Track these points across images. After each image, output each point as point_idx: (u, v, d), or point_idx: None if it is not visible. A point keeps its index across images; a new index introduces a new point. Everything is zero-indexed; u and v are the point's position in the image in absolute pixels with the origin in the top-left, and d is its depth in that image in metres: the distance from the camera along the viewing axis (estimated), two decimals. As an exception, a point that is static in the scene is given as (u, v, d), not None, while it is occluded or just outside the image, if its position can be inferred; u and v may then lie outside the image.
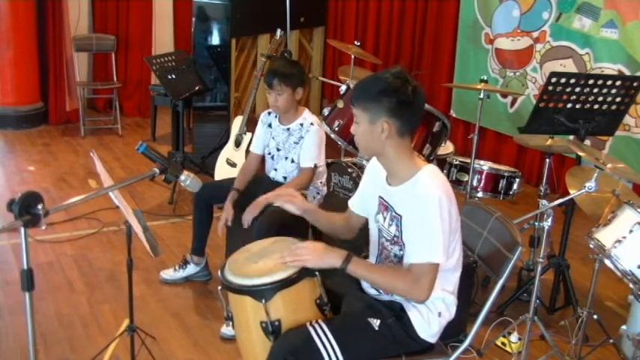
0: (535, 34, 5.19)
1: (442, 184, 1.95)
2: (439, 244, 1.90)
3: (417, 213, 1.93)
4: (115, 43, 6.62)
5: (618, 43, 4.56)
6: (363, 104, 1.97)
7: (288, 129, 3.30)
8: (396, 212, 2.02)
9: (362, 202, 2.23)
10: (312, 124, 3.23)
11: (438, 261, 1.91)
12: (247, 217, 3.03)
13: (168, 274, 3.56)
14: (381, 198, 2.10)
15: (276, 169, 3.39)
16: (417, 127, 2.05)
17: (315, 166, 3.24)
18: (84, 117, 6.37)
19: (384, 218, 2.08)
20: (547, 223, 2.48)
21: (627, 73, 4.47)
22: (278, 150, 3.34)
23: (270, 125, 3.39)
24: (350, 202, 2.29)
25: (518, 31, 5.31)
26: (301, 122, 3.26)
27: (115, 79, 6.61)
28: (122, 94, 6.98)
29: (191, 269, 3.53)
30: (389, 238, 2.07)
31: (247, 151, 4.19)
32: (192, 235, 3.52)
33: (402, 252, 2.02)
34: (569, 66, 4.89)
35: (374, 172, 2.17)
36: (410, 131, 2.00)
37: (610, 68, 4.61)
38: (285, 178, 3.35)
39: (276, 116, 3.36)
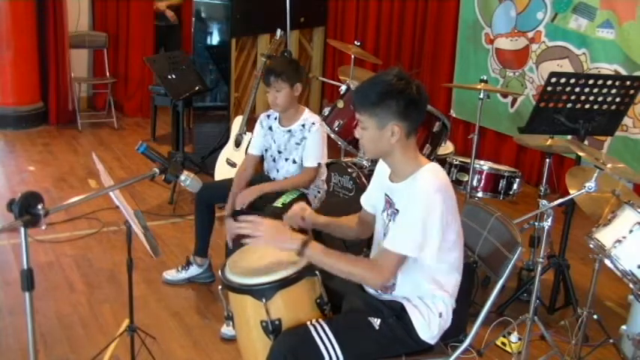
0: (530, 35, 5.19)
1: (440, 183, 1.95)
2: (414, 238, 1.90)
3: (407, 206, 1.95)
4: (107, 39, 6.67)
5: (614, 43, 4.56)
6: (371, 110, 1.95)
7: (290, 130, 3.28)
8: (395, 208, 2.03)
9: (371, 199, 2.24)
10: (313, 123, 3.22)
11: (408, 253, 1.91)
12: (240, 200, 3.04)
13: (170, 274, 3.55)
14: (386, 195, 2.10)
15: (277, 170, 3.38)
16: (420, 125, 2.05)
17: (319, 165, 3.24)
18: (79, 112, 6.44)
19: (387, 215, 2.08)
20: (547, 223, 2.48)
21: (624, 73, 4.47)
22: (279, 152, 3.33)
23: (270, 128, 3.36)
24: (361, 199, 2.29)
25: (516, 31, 5.31)
26: (302, 123, 3.25)
27: (107, 74, 6.67)
28: (122, 94, 7.03)
29: (194, 270, 3.52)
30: (387, 233, 2.07)
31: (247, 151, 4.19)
32: (194, 237, 3.51)
33: None
34: (565, 66, 4.89)
35: (381, 170, 2.18)
36: (415, 130, 2.01)
37: (606, 68, 4.61)
38: (286, 178, 3.34)
39: (275, 118, 3.35)
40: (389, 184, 2.09)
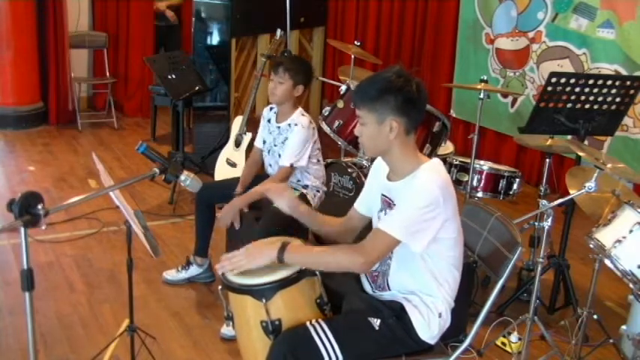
0: (530, 35, 5.19)
1: (441, 180, 1.95)
2: (407, 224, 1.90)
3: (406, 196, 1.95)
4: (107, 39, 6.68)
5: (615, 43, 4.56)
6: (370, 105, 1.97)
7: (279, 127, 3.33)
8: (395, 205, 2.03)
9: (367, 201, 2.25)
10: (296, 124, 3.25)
11: (396, 236, 1.91)
12: (222, 223, 3.09)
13: (170, 274, 3.54)
14: (384, 195, 2.10)
15: (271, 165, 3.41)
16: (420, 123, 2.05)
17: (292, 166, 3.25)
18: (79, 112, 6.45)
19: (385, 214, 2.08)
20: (547, 223, 2.48)
21: (624, 73, 4.47)
22: (275, 145, 3.36)
23: (269, 121, 3.42)
24: (355, 203, 2.29)
25: (516, 31, 5.31)
26: (290, 123, 3.29)
27: (107, 74, 6.68)
28: (122, 94, 7.03)
29: (194, 270, 3.52)
30: None
31: (247, 151, 4.20)
32: (194, 236, 3.51)
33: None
34: (566, 66, 4.89)
35: (377, 170, 2.19)
36: (415, 128, 2.01)
37: (607, 68, 4.61)
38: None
39: (275, 112, 3.39)
40: (387, 183, 2.09)
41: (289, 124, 3.28)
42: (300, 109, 3.33)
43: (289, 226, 2.82)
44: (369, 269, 2.07)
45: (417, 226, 1.91)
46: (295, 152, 3.23)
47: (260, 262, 1.98)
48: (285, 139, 3.28)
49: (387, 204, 2.08)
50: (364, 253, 1.92)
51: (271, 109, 3.44)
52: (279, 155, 3.33)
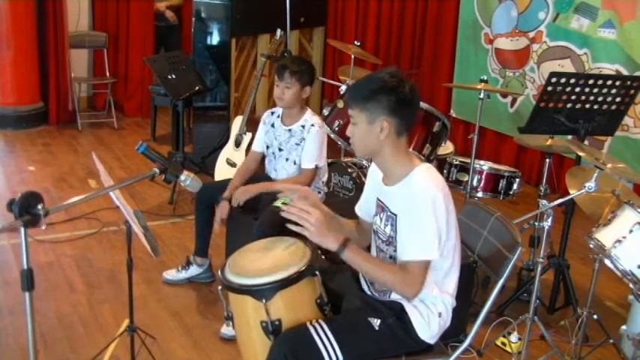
0: (531, 35, 5.19)
1: (436, 182, 1.96)
2: (432, 240, 1.90)
3: (411, 211, 1.94)
4: (107, 39, 6.68)
5: (616, 43, 4.56)
6: (362, 104, 1.97)
7: (290, 130, 3.29)
8: (391, 212, 2.03)
9: (365, 206, 2.24)
10: (313, 125, 3.23)
11: (431, 257, 1.92)
12: (238, 196, 3.07)
13: (170, 274, 3.54)
14: (379, 199, 2.10)
15: (276, 170, 3.38)
16: (413, 126, 2.05)
17: (316, 167, 3.24)
18: (79, 112, 6.45)
19: (381, 219, 2.08)
20: (547, 223, 2.48)
21: (625, 73, 4.47)
22: (280, 150, 3.34)
23: (273, 125, 3.38)
24: (356, 207, 2.29)
25: (517, 31, 5.31)
26: (302, 124, 3.26)
27: (107, 74, 6.68)
28: (122, 94, 7.03)
29: (194, 270, 3.52)
30: (384, 239, 2.07)
31: (247, 151, 4.19)
32: (194, 236, 3.51)
33: (396, 253, 2.02)
34: (567, 66, 4.89)
35: (373, 174, 2.18)
36: (406, 130, 2.00)
37: (608, 68, 4.61)
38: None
39: (278, 116, 3.36)
40: (382, 187, 2.08)
41: (303, 125, 3.25)
42: (309, 109, 3.32)
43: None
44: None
45: (437, 237, 1.91)
46: (318, 153, 3.23)
47: (320, 242, 1.94)
48: (299, 141, 3.25)
49: (382, 209, 2.08)
50: (413, 286, 1.93)
51: (272, 113, 3.40)
52: (287, 159, 3.31)
